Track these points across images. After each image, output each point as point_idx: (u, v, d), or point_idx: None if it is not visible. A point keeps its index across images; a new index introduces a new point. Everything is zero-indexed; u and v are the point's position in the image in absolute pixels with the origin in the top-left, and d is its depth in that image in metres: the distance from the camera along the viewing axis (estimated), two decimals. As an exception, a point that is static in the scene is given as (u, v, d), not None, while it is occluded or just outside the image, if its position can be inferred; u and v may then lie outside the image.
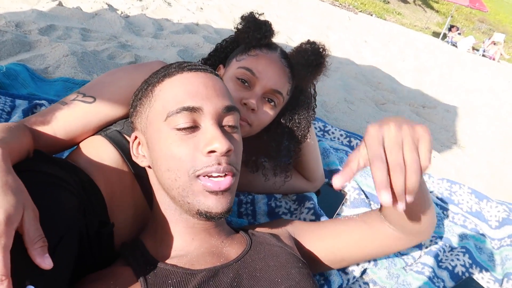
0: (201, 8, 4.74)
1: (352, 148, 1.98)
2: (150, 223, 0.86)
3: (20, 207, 0.56)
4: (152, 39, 2.92)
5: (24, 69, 1.82)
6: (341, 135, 2.05)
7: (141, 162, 0.82)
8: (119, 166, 0.89)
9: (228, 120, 0.79)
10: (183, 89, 0.76)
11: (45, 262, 0.55)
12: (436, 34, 15.75)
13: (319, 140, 1.90)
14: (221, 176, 0.73)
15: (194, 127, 0.74)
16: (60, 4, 2.97)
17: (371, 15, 13.89)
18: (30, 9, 2.68)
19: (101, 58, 2.27)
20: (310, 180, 1.47)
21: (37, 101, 1.56)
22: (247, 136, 1.14)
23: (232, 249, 0.81)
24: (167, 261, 0.74)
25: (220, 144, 0.71)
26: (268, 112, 1.13)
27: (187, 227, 0.79)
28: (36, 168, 0.73)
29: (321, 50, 1.13)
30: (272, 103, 1.13)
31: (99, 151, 0.89)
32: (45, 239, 0.57)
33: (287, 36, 4.78)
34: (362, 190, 1.63)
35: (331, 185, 1.62)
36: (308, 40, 1.16)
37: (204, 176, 0.72)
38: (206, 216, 0.73)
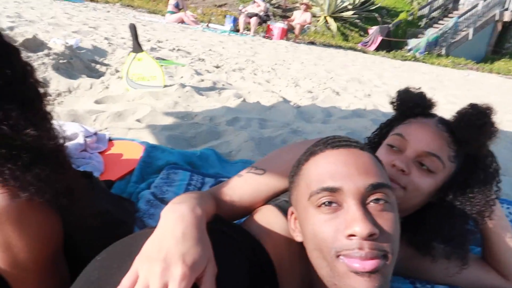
0: (369, 95, 4.83)
1: None
2: None
3: (205, 260, 0.63)
4: (321, 124, 3.08)
5: (213, 153, 2.13)
6: (549, 222, 1.65)
7: (297, 236, 0.83)
8: (288, 234, 0.91)
9: (375, 198, 0.72)
10: (325, 168, 0.76)
11: None
12: None
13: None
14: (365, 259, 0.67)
15: (337, 207, 0.72)
16: (244, 100, 3.46)
17: None
18: (221, 106, 3.21)
19: (275, 143, 2.49)
20: (506, 277, 1.20)
21: (221, 179, 1.78)
22: (404, 203, 1.03)
23: None
24: None
25: (360, 228, 0.67)
26: (424, 177, 1.03)
27: None
28: (218, 229, 0.81)
29: (484, 109, 1.02)
30: (428, 168, 1.03)
31: (269, 219, 0.94)
32: None
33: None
34: None
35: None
36: (470, 103, 1.07)
37: (346, 257, 0.68)
38: None
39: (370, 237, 0.67)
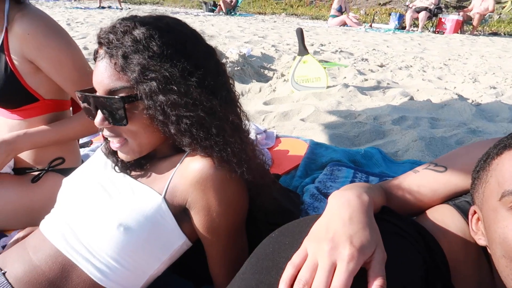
0: None
1: None
2: None
3: (373, 244, 0.62)
4: (508, 124, 2.65)
5: (378, 151, 2.06)
6: None
7: (479, 239, 0.73)
8: (465, 236, 0.82)
9: None
10: None
11: None
12: None
13: None
14: None
15: None
16: (411, 99, 3.23)
17: None
18: (385, 104, 3.07)
19: (449, 143, 2.24)
20: None
21: (386, 178, 1.70)
22: None
23: None
24: None
25: None
26: None
27: None
28: (386, 219, 0.78)
29: None
30: None
31: (445, 218, 0.87)
32: (386, 283, 0.58)
33: None
34: None
35: None
36: None
37: None
38: None
39: None
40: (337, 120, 2.71)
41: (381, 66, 4.88)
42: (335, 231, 0.62)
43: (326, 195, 1.57)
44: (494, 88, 3.78)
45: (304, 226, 0.73)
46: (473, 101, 3.30)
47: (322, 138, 2.34)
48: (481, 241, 0.73)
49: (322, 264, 0.58)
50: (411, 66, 4.91)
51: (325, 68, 3.67)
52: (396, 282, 0.64)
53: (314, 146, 2.06)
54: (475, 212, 0.76)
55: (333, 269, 0.58)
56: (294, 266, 0.61)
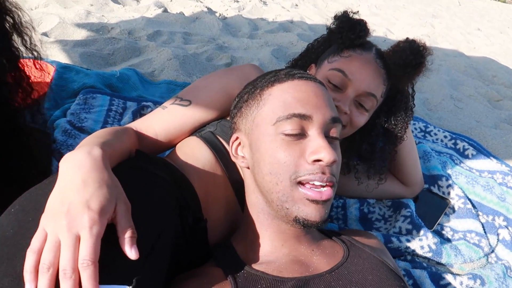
0: (296, 5, 4.73)
1: (457, 151, 1.80)
2: (241, 227, 0.87)
3: (113, 200, 0.62)
4: (247, 39, 3.00)
5: (134, 73, 2.01)
6: (445, 136, 1.87)
7: (241, 162, 0.84)
8: (213, 166, 0.93)
9: (333, 131, 0.78)
10: (295, 96, 0.77)
11: (132, 252, 0.58)
12: None
13: (419, 142, 1.76)
14: (323, 186, 0.72)
15: (301, 134, 0.75)
16: (165, 10, 3.20)
17: (487, -2, 12.39)
18: (140, 16, 2.94)
19: (200, 61, 2.39)
20: (407, 185, 1.39)
21: (144, 103, 1.71)
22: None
23: (323, 258, 0.78)
24: (256, 266, 0.75)
25: (328, 154, 0.71)
26: (362, 115, 1.09)
27: (278, 232, 0.79)
28: (136, 166, 0.79)
29: (421, 48, 1.05)
30: (365, 107, 1.08)
31: (195, 151, 0.94)
32: (135, 231, 0.61)
33: (386, 28, 4.52)
34: (469, 199, 1.47)
35: (431, 192, 1.49)
36: (407, 38, 1.09)
37: (305, 183, 0.72)
38: (303, 224, 0.72)
39: (331, 164, 0.73)
40: (88, 34, 2.45)
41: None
42: (70, 202, 0.59)
43: (81, 129, 1.46)
44: (237, 1, 4.15)
45: (44, 195, 0.65)
46: (220, 15, 3.55)
47: (71, 58, 2.09)
48: (243, 164, 0.83)
49: (64, 240, 0.56)
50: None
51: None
52: (151, 234, 0.68)
53: (63, 70, 1.82)
54: (237, 138, 0.85)
55: (77, 242, 0.56)
56: (35, 252, 0.55)
